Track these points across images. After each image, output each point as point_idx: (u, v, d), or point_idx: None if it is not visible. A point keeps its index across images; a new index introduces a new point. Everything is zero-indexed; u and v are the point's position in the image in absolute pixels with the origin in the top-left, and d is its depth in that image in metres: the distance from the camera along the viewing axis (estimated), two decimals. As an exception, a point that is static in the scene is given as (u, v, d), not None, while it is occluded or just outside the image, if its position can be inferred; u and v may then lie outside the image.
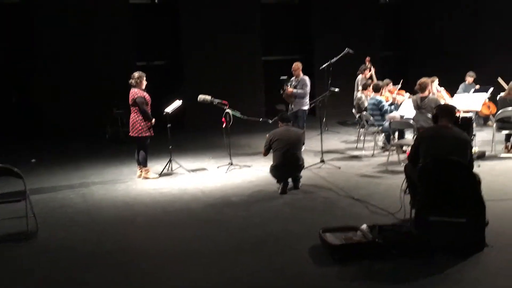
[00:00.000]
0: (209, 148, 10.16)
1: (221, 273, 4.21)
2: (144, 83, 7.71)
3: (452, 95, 10.31)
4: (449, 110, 4.91)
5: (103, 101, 11.95)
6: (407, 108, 8.54)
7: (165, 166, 8.17)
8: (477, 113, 11.15)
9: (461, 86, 11.53)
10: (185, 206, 6.27)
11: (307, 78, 9.56)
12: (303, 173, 7.07)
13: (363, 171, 7.70)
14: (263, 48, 14.54)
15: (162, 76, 13.44)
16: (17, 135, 11.92)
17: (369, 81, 10.60)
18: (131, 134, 7.68)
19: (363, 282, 3.94)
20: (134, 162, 7.97)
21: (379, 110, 8.80)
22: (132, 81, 7.60)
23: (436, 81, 11.15)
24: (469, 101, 8.40)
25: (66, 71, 12.15)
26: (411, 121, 7.79)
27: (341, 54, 11.74)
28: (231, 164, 8.24)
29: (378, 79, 11.46)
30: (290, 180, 6.74)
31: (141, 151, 7.73)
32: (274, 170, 6.69)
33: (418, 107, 7.77)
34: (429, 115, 7.09)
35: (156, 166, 8.36)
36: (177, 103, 8.25)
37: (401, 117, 8.47)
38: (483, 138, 9.39)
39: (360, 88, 10.58)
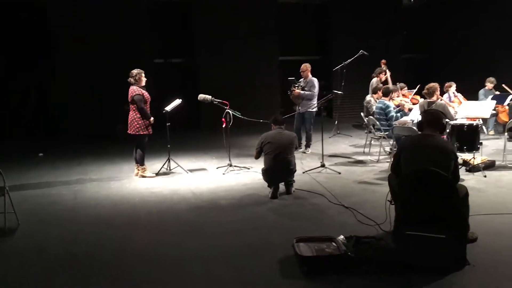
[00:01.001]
0: (214, 148, 10.02)
1: (184, 284, 3.98)
2: (144, 80, 7.64)
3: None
4: (435, 117, 4.43)
5: (119, 99, 11.94)
6: (418, 114, 8.16)
7: (163, 165, 8.08)
8: (496, 120, 10.68)
9: (481, 91, 11.09)
10: (171, 208, 6.12)
11: (315, 80, 9.37)
12: (302, 177, 6.82)
13: (363, 177, 7.39)
14: (280, 48, 14.32)
15: (177, 75, 13.42)
16: (32, 132, 12.28)
17: (380, 85, 10.24)
18: (129, 131, 7.62)
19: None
20: (136, 160, 7.92)
21: (385, 115, 8.48)
22: (131, 79, 7.54)
23: (454, 86, 10.75)
24: (477, 108, 7.94)
25: (83, 70, 12.19)
26: (415, 127, 7.44)
27: (355, 56, 11.49)
28: (230, 165, 8.09)
29: (398, 82, 11.07)
30: (283, 184, 6.54)
31: (138, 149, 7.69)
32: (265, 174, 6.49)
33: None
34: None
35: (157, 164, 8.28)
36: (177, 101, 8.15)
37: (412, 122, 8.12)
38: (498, 147, 8.92)
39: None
